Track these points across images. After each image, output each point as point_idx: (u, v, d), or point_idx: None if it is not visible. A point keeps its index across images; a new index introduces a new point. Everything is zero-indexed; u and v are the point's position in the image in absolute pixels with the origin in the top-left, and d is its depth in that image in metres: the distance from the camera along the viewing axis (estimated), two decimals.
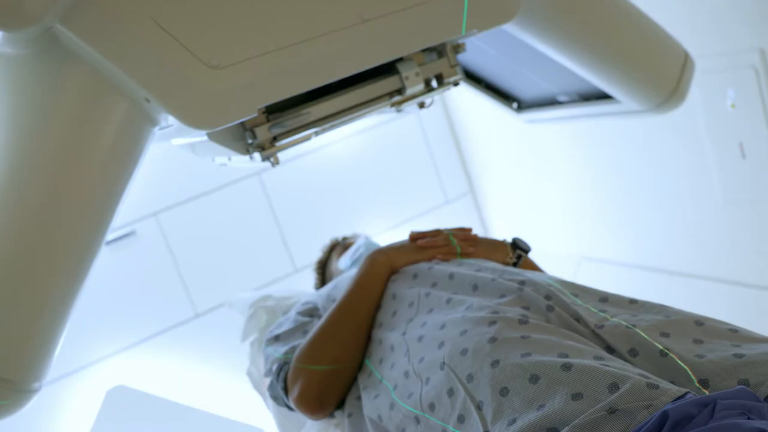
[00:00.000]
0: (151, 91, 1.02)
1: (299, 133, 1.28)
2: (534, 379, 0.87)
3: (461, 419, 0.94)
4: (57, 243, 1.07)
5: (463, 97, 3.18)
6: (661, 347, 0.90)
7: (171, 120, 1.12)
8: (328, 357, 1.30)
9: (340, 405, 1.33)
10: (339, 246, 1.99)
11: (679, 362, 0.87)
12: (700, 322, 0.95)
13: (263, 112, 1.25)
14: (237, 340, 3.00)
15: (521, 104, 1.96)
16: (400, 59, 1.33)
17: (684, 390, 0.78)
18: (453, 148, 3.52)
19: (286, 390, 1.35)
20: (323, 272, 2.02)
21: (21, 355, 1.07)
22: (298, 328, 1.49)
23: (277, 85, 1.10)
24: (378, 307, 1.36)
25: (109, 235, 2.82)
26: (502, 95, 1.96)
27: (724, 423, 0.69)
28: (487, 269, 1.25)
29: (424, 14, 1.19)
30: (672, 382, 0.84)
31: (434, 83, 1.39)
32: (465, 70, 1.91)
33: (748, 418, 0.71)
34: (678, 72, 1.52)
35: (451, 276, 1.25)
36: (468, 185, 3.52)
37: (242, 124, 1.26)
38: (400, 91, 1.34)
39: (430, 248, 1.40)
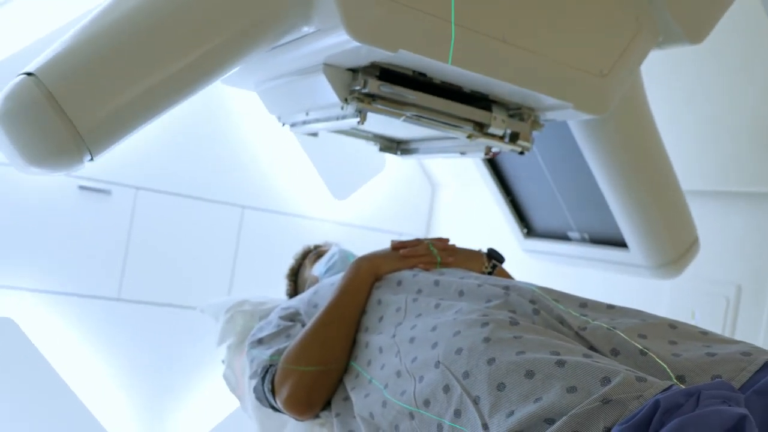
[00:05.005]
0: None
1: (396, 107, 1.42)
2: (530, 374, 0.93)
3: (458, 414, 0.98)
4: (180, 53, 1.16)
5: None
6: (640, 347, 0.99)
7: (315, 26, 1.27)
8: (317, 359, 1.35)
9: (326, 406, 1.37)
10: (312, 254, 2.05)
11: (658, 360, 0.96)
12: (673, 325, 1.05)
13: (377, 76, 1.41)
14: (144, 341, 2.93)
15: (531, 231, 2.15)
16: (495, 102, 1.52)
17: (669, 383, 0.86)
18: None
19: (273, 392, 1.39)
20: (296, 279, 2.06)
21: (106, 125, 1.11)
22: (281, 332, 1.53)
23: (422, 41, 1.26)
24: (363, 312, 1.42)
25: (86, 183, 2.83)
26: (520, 216, 2.15)
27: (710, 409, 0.77)
28: (471, 276, 1.33)
29: (548, 67, 1.39)
30: None
31: (508, 138, 1.56)
32: (500, 176, 2.11)
33: (729, 406, 0.79)
34: (686, 246, 1.73)
35: (437, 283, 1.33)
36: None
37: (354, 73, 1.41)
38: (482, 126, 1.51)
39: (412, 257, 1.48)
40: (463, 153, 1.68)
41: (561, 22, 1.42)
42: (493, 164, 2.13)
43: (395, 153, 1.89)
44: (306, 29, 1.31)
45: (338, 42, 1.26)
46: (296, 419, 1.41)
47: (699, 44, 1.52)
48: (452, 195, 3.54)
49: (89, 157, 1.14)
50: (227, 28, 1.19)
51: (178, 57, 1.16)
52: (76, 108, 1.08)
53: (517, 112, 1.55)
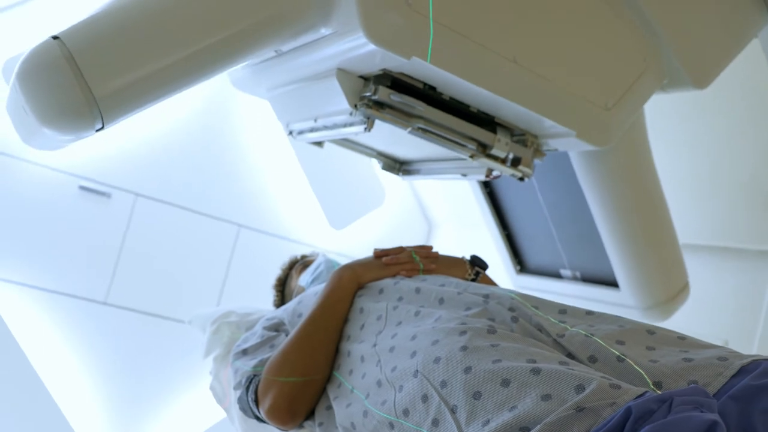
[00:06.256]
0: None
1: (403, 117, 1.45)
2: (505, 383, 0.94)
3: (435, 423, 0.98)
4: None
5: None
6: (618, 353, 0.99)
7: (333, 28, 1.31)
8: (299, 369, 1.34)
9: (310, 415, 1.36)
10: (298, 264, 2.05)
11: (635, 366, 0.95)
12: (651, 331, 1.04)
13: (387, 86, 1.44)
14: (127, 348, 2.90)
15: (523, 267, 2.16)
16: (500, 125, 1.55)
17: (643, 389, 0.86)
18: None
19: (256, 402, 1.39)
20: (283, 289, 2.06)
21: (121, 94, 1.14)
22: (265, 342, 1.53)
23: (436, 52, 1.30)
24: (345, 320, 1.42)
25: (87, 184, 2.85)
26: (514, 252, 2.16)
27: (681, 416, 0.77)
28: (451, 284, 1.33)
29: (554, 93, 1.43)
30: None
31: (510, 162, 1.59)
32: (498, 210, 2.13)
33: (701, 412, 0.79)
34: (676, 290, 1.75)
35: (417, 290, 1.33)
36: None
37: (366, 81, 1.44)
38: (486, 147, 1.54)
39: (394, 265, 1.47)
40: (464, 175, 1.70)
41: (571, 52, 1.46)
42: (492, 198, 2.15)
43: (397, 173, 1.91)
44: (324, 30, 1.34)
45: (355, 45, 1.30)
46: (280, 429, 1.39)
47: (703, 89, 1.56)
48: (447, 235, 3.56)
49: (100, 124, 1.16)
50: (251, 15, 1.23)
51: (199, 38, 1.20)
52: (95, 73, 1.11)
53: (521, 138, 1.58)
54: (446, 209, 3.51)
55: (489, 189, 2.14)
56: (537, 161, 1.61)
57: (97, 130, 1.18)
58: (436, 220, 3.64)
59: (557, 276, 2.03)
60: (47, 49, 1.10)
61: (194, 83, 1.25)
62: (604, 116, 1.49)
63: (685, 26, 1.53)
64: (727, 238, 2.08)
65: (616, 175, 1.65)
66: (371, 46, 1.27)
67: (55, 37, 1.11)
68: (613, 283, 1.83)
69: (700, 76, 1.56)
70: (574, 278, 1.98)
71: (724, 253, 2.11)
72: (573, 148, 1.58)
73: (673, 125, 2.11)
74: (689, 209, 2.12)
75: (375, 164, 3.49)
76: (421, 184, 3.65)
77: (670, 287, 1.75)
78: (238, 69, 1.74)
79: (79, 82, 1.09)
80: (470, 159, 1.56)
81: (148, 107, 1.23)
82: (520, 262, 2.18)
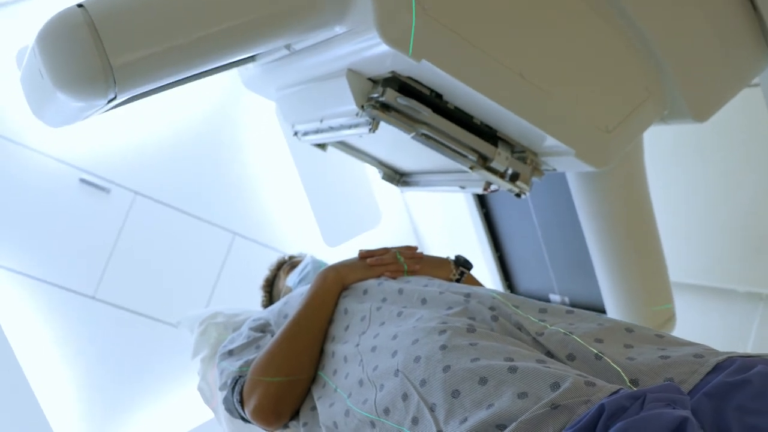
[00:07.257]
0: None
1: (408, 121, 1.48)
2: (483, 381, 0.95)
3: (415, 421, 1.00)
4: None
5: None
6: (595, 351, 0.99)
7: (348, 26, 1.34)
8: (284, 369, 1.35)
9: (295, 416, 1.37)
10: (286, 264, 2.06)
11: (612, 364, 0.96)
12: (630, 329, 1.05)
13: (395, 89, 1.47)
14: (111, 345, 2.89)
15: (513, 290, 2.17)
16: (502, 140, 1.58)
17: (618, 386, 0.88)
18: None
19: (242, 403, 1.40)
20: (270, 290, 2.07)
21: (137, 66, 1.17)
22: (251, 343, 1.54)
23: (446, 57, 1.34)
24: (330, 321, 1.43)
25: (88, 177, 2.87)
26: (505, 274, 2.18)
27: (652, 412, 0.78)
28: (434, 284, 1.34)
29: (555, 109, 1.46)
30: None
31: (509, 177, 1.61)
32: (493, 232, 2.16)
33: (674, 408, 0.80)
34: (663, 319, 1.76)
35: (401, 291, 1.35)
36: None
37: (374, 83, 1.48)
38: (486, 159, 1.57)
39: (378, 266, 1.48)
40: (462, 187, 1.72)
41: (577, 74, 1.50)
42: (488, 219, 2.18)
43: (396, 184, 1.94)
44: (338, 29, 1.38)
45: (367, 45, 1.34)
46: (265, 430, 1.39)
47: (702, 123, 1.60)
48: None
49: (113, 94, 1.19)
50: (270, 5, 1.27)
51: (217, 21, 1.23)
52: (114, 42, 1.14)
53: (521, 154, 1.61)
54: (441, 234, 3.54)
55: (485, 210, 2.17)
56: (535, 179, 1.64)
57: (110, 101, 1.21)
58: (431, 244, 3.67)
59: (546, 300, 2.05)
60: (70, 15, 1.13)
61: (207, 66, 1.28)
62: (603, 138, 1.52)
63: (689, 60, 1.57)
64: (716, 278, 2.10)
65: (611, 198, 1.67)
66: (384, 47, 1.30)
67: (80, 5, 1.15)
68: (600, 310, 1.84)
69: (700, 110, 1.60)
70: (563, 303, 1.99)
71: (712, 293, 2.13)
72: (571, 167, 1.61)
73: (669, 165, 2.15)
74: (680, 248, 2.15)
75: (373, 184, 3.55)
76: (417, 208, 3.68)
77: (656, 316, 1.77)
78: (250, 68, 1.77)
79: (98, 49, 1.12)
80: (470, 170, 1.59)
81: (160, 84, 1.26)
82: (510, 285, 2.20)
